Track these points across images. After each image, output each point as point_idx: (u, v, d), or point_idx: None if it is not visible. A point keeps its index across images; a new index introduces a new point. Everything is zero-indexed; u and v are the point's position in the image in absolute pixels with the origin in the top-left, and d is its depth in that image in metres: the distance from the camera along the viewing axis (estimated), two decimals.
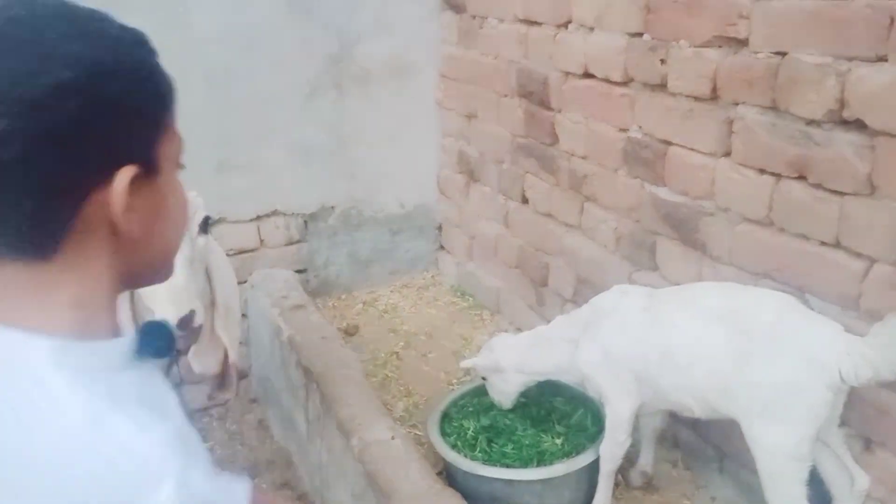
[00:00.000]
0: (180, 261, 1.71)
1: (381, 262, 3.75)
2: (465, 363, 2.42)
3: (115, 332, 0.72)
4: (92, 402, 0.62)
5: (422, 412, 2.76)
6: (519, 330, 3.29)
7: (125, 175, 0.66)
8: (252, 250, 3.42)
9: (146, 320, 0.75)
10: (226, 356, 2.00)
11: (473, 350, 3.18)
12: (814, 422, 1.66)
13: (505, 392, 2.32)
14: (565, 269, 2.93)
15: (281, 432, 3.05)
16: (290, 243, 3.51)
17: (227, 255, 3.33)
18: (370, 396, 2.49)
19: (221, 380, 2.05)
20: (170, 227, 0.76)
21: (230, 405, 3.37)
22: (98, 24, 0.67)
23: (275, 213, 3.45)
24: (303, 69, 3.36)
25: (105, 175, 0.66)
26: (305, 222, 3.53)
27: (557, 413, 2.45)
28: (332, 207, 3.57)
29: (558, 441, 2.32)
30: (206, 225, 1.86)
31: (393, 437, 2.24)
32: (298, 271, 3.49)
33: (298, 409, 2.72)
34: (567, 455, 2.26)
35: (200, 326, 1.72)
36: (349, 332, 3.32)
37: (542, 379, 2.31)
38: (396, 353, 3.20)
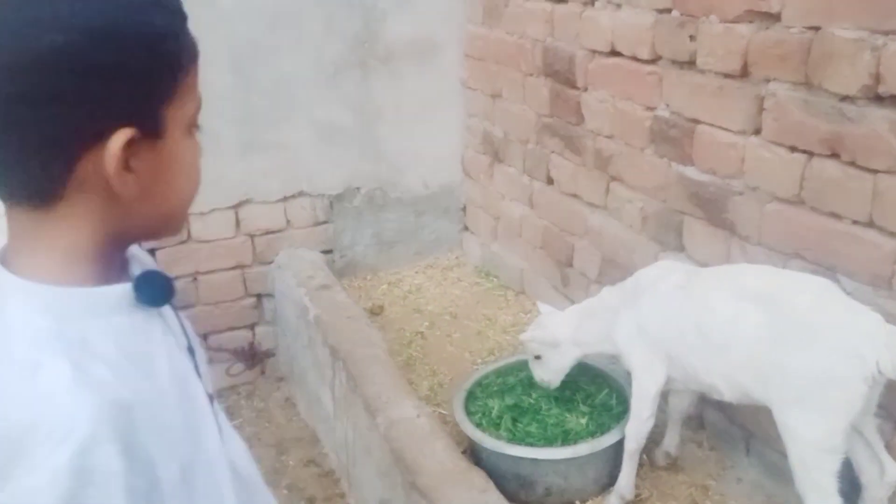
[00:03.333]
0: None
1: (406, 242, 3.75)
2: (523, 336, 2.39)
3: (110, 282, 0.72)
4: (37, 345, 0.65)
5: (446, 391, 2.77)
6: None
7: (120, 137, 0.67)
8: (279, 231, 3.44)
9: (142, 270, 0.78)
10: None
11: (497, 331, 3.19)
12: (848, 414, 1.62)
13: (558, 368, 2.32)
14: (590, 249, 2.91)
15: (307, 410, 3.09)
16: (317, 224, 3.53)
17: (255, 235, 3.38)
18: (396, 375, 2.51)
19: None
20: (173, 189, 0.75)
21: (257, 383, 3.43)
22: None
23: (301, 194, 3.47)
24: (327, 48, 3.35)
25: (98, 136, 0.67)
26: (331, 203, 3.54)
27: (582, 393, 2.45)
28: (358, 188, 3.58)
29: (583, 420, 2.33)
30: None
31: (418, 416, 2.26)
32: (324, 252, 3.51)
33: (325, 387, 2.75)
34: (592, 435, 2.26)
35: None
36: (374, 312, 3.34)
37: (593, 352, 2.30)
38: (421, 332, 3.21)
